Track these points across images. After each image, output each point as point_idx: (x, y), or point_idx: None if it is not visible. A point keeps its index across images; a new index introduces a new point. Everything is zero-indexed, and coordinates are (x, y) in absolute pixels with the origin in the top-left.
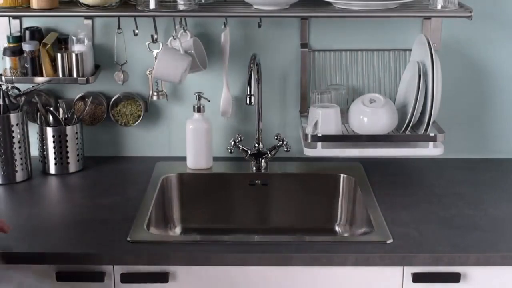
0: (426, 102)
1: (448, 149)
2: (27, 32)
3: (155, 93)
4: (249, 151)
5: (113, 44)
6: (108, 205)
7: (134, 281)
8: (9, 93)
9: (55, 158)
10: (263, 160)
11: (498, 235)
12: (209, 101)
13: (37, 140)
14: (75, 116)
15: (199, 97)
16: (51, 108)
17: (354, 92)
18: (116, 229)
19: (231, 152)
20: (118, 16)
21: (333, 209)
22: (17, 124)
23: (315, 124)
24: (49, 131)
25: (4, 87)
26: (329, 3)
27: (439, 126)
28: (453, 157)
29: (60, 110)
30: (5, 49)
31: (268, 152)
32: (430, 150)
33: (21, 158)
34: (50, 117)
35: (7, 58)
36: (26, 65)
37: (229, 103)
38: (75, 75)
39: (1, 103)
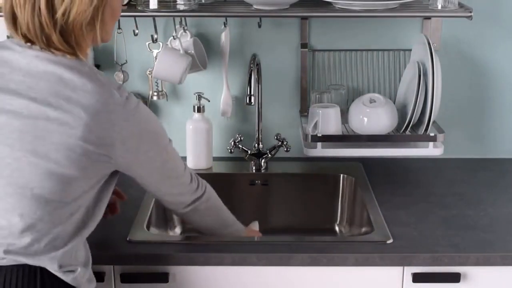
0: (426, 102)
1: (448, 149)
2: None
3: (155, 93)
4: (249, 151)
5: (113, 44)
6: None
7: (134, 281)
8: None
9: None
10: (263, 160)
11: (498, 235)
12: (209, 101)
13: None
14: None
15: (199, 97)
16: None
17: (354, 92)
18: (116, 229)
19: (231, 152)
20: None
21: (333, 209)
22: None
23: (315, 124)
24: None
25: None
26: (329, 3)
27: (439, 126)
28: (453, 157)
29: None
30: None
31: (268, 152)
32: (430, 150)
33: None
34: None
35: None
36: None
37: (229, 103)
38: None
39: None
